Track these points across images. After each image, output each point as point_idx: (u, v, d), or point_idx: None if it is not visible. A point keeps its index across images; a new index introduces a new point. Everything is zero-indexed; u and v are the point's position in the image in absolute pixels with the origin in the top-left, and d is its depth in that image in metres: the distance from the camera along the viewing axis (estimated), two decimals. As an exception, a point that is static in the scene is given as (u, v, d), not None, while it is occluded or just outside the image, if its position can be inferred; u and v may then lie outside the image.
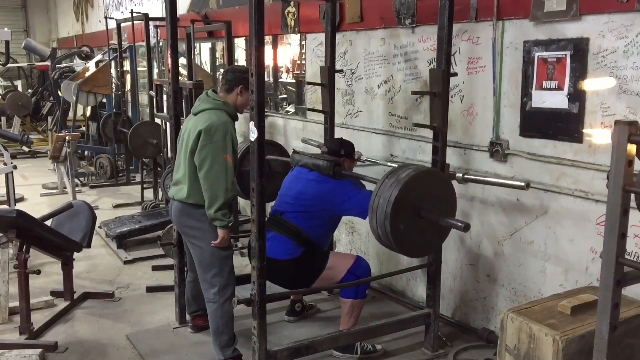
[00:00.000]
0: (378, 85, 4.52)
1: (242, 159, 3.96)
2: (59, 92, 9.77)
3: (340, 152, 3.74)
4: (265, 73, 5.91)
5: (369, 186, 3.49)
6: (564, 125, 3.23)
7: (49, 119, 11.78)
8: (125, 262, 5.39)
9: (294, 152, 3.91)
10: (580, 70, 3.12)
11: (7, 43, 11.41)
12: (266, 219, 3.54)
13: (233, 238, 3.70)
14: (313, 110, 4.90)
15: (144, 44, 7.35)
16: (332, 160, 3.54)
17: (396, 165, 3.43)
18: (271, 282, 3.65)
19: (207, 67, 8.20)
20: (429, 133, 3.62)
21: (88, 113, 10.32)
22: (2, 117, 12.13)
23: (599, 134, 3.08)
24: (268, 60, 6.28)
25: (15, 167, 5.87)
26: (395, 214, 2.88)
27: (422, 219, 3.00)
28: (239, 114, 3.56)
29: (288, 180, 3.78)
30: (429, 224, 3.04)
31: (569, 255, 3.30)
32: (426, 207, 3.00)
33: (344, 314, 3.62)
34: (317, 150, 4.22)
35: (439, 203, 3.06)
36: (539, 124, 3.37)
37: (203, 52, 8.48)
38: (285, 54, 7.54)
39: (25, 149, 10.12)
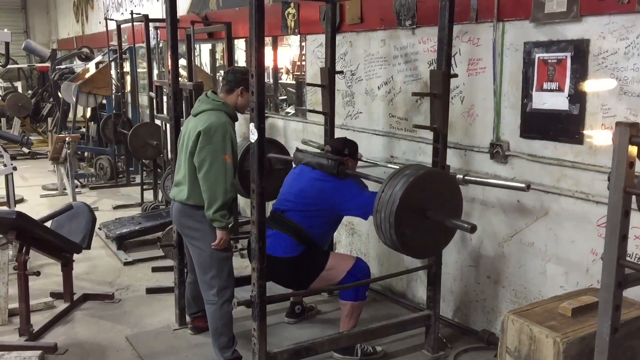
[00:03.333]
0: (378, 87, 4.52)
1: (242, 160, 3.95)
2: (59, 94, 9.78)
3: (343, 151, 3.73)
4: (266, 74, 5.92)
5: (372, 186, 3.50)
6: (565, 127, 3.23)
7: (49, 120, 11.77)
8: (125, 264, 5.39)
9: (297, 150, 3.89)
10: (580, 72, 3.12)
11: (7, 44, 11.39)
12: (267, 217, 3.55)
13: (233, 239, 3.69)
14: (313, 111, 4.90)
15: (144, 45, 7.35)
16: (337, 159, 3.51)
17: (398, 167, 3.41)
18: (270, 280, 3.66)
19: (207, 69, 8.21)
20: (429, 134, 3.62)
21: (88, 114, 10.32)
22: (2, 119, 12.12)
23: (599, 136, 3.07)
24: (268, 62, 6.28)
25: (15, 169, 5.87)
26: (401, 214, 2.85)
27: (428, 219, 2.96)
28: (239, 115, 3.56)
29: (290, 178, 3.77)
30: (435, 224, 3.00)
31: (570, 257, 3.30)
32: (432, 207, 2.96)
33: (343, 316, 3.62)
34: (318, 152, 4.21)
35: (444, 203, 3.02)
36: (539, 125, 3.37)
37: (203, 53, 8.49)
38: (285, 55, 7.54)
39: (25, 150, 10.12)
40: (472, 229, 2.88)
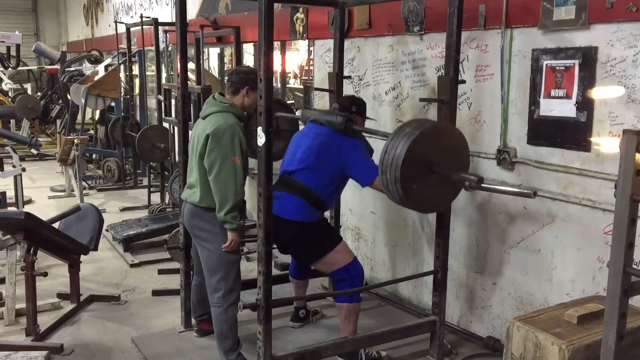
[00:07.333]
0: (386, 92, 4.53)
1: (248, 119, 3.95)
2: (68, 96, 9.83)
3: (351, 108, 3.70)
4: (274, 78, 5.93)
5: (379, 143, 3.56)
6: (572, 134, 3.23)
7: (58, 122, 11.84)
8: (132, 266, 5.41)
9: (305, 108, 3.88)
10: (588, 79, 3.12)
11: (17, 46, 11.49)
12: (276, 181, 3.55)
13: (240, 243, 3.70)
14: (320, 116, 4.90)
15: (153, 48, 7.39)
16: (344, 116, 3.48)
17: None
18: (276, 242, 3.64)
19: (215, 72, 8.24)
20: (436, 140, 3.62)
21: (97, 116, 10.38)
22: (11, 120, 12.20)
23: (607, 143, 3.07)
24: (276, 66, 6.30)
25: (23, 170, 5.90)
26: (406, 169, 2.79)
27: (434, 174, 2.91)
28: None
29: (297, 136, 3.77)
30: (442, 179, 2.96)
31: (576, 264, 3.29)
32: (438, 162, 2.90)
33: (341, 320, 3.63)
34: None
35: (451, 157, 2.97)
36: (546, 132, 3.37)
37: (212, 57, 8.53)
38: (293, 59, 7.56)
39: (34, 151, 10.15)
40: (479, 180, 2.84)
